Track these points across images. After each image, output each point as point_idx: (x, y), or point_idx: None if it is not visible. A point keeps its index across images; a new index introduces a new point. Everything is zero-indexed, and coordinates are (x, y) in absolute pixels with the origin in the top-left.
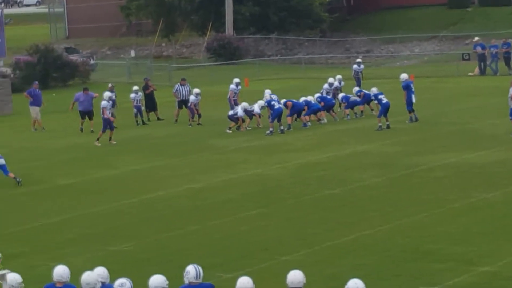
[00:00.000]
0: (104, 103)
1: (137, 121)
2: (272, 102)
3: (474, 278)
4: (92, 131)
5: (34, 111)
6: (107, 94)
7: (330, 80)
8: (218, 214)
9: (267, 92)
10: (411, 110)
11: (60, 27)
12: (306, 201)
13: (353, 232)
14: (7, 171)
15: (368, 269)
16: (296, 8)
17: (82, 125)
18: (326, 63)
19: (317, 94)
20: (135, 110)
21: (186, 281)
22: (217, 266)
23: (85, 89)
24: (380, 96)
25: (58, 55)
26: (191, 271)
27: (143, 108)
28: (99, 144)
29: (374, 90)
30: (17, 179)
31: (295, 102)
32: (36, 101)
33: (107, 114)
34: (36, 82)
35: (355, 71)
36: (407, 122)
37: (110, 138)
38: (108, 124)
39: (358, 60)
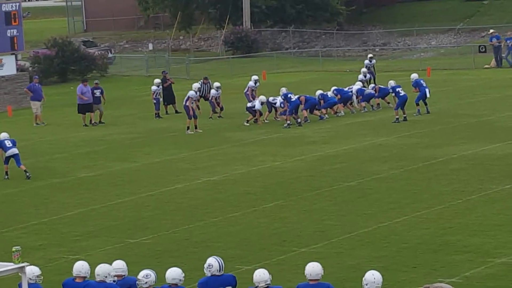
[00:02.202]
0: (191, 93)
1: (155, 114)
2: (289, 95)
3: (492, 269)
4: (95, 123)
5: (35, 105)
6: (195, 85)
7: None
8: (237, 206)
9: (284, 88)
10: (417, 103)
11: (78, 21)
12: (324, 193)
13: (371, 224)
14: (19, 162)
15: (386, 261)
16: (313, 1)
17: (85, 121)
18: (343, 56)
19: (334, 87)
20: (155, 101)
21: (209, 274)
22: (236, 258)
23: (84, 81)
24: (398, 89)
25: (76, 49)
26: (214, 264)
27: (160, 100)
28: (192, 132)
29: (391, 83)
30: (27, 173)
31: (308, 97)
32: (36, 96)
33: (190, 104)
34: (36, 76)
35: (366, 66)
36: (414, 115)
37: (196, 127)
38: (191, 113)
39: (370, 55)
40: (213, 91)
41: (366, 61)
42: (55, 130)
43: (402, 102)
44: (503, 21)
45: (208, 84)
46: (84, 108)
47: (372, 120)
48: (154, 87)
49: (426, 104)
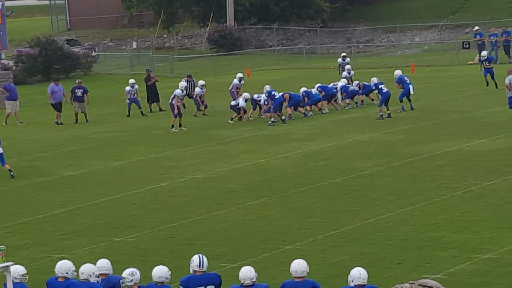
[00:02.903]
0: (178, 91)
1: (129, 113)
2: (273, 92)
3: (477, 265)
4: (61, 123)
5: (10, 105)
6: (182, 84)
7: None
8: (222, 204)
9: (267, 86)
10: (401, 100)
11: (62, 19)
12: (308, 190)
13: (356, 221)
14: (4, 162)
15: (371, 258)
16: None
17: (57, 119)
18: (327, 53)
19: (318, 84)
20: (128, 102)
21: (191, 270)
22: (221, 255)
23: (56, 80)
24: (380, 86)
25: (60, 47)
26: (195, 259)
27: (139, 99)
28: (177, 130)
29: (374, 80)
30: (11, 173)
31: (292, 94)
32: (12, 95)
33: (176, 102)
34: (11, 76)
35: (340, 64)
36: (398, 111)
37: (180, 125)
38: (176, 111)
39: (344, 54)
40: (197, 89)
41: (339, 60)
42: (39, 129)
43: (385, 99)
44: (486, 18)
45: (192, 82)
46: (55, 107)
47: (356, 117)
48: (128, 88)
49: (410, 101)
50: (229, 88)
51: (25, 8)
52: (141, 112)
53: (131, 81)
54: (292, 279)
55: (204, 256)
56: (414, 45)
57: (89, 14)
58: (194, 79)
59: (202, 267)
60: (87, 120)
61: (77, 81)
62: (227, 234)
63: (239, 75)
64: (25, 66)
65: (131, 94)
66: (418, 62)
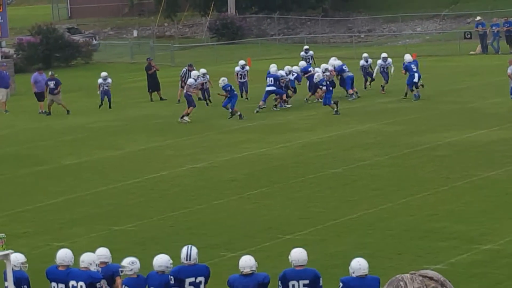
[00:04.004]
0: (190, 81)
1: (102, 103)
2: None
3: (477, 256)
4: (45, 112)
5: (0, 92)
6: (195, 73)
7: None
8: (222, 193)
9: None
10: (412, 88)
11: (62, 7)
12: (309, 180)
13: (356, 211)
14: None
15: (371, 248)
16: None
17: (42, 108)
18: (328, 42)
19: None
20: (100, 94)
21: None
22: (221, 245)
23: (40, 70)
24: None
25: (60, 36)
26: (183, 251)
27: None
28: (189, 120)
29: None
30: None
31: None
32: (3, 83)
33: (192, 91)
34: (5, 64)
35: (303, 57)
36: (413, 99)
37: (188, 114)
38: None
39: (306, 47)
40: (190, 80)
41: (302, 53)
42: (39, 117)
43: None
44: (488, 8)
45: (193, 71)
46: (37, 96)
47: (356, 107)
48: (100, 80)
49: (417, 88)
50: (238, 79)
51: None
52: (109, 105)
53: (103, 74)
54: (292, 268)
55: (193, 248)
56: (416, 35)
57: (90, 2)
58: (195, 68)
59: (189, 259)
60: (68, 112)
61: (49, 73)
62: (227, 224)
63: (241, 62)
64: (25, 54)
65: (102, 86)
66: (420, 52)
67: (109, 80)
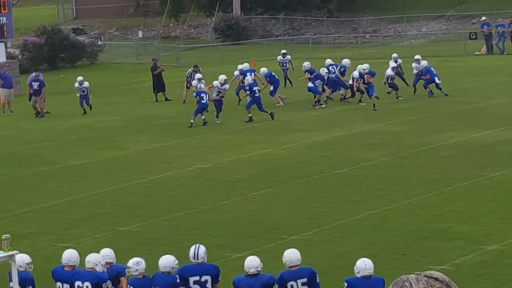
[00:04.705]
0: (194, 82)
1: (84, 110)
2: (273, 74)
3: (482, 256)
4: (36, 114)
5: (4, 93)
6: (198, 76)
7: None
8: (227, 194)
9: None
10: (426, 86)
11: (68, 8)
12: (314, 180)
13: (362, 211)
14: None
15: (376, 248)
16: None
17: (35, 110)
18: (333, 43)
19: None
20: (79, 99)
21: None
22: (226, 245)
23: (37, 70)
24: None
25: (66, 36)
26: (191, 250)
27: (90, 96)
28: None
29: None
30: None
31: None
32: (7, 84)
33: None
34: (7, 64)
35: (280, 61)
36: (426, 96)
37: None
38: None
39: (283, 51)
40: (194, 82)
41: (279, 57)
42: (44, 118)
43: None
44: (493, 8)
45: (199, 72)
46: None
47: (361, 108)
48: (76, 84)
49: (440, 89)
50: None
51: None
52: (86, 109)
53: (79, 78)
54: (288, 269)
55: (201, 247)
56: (421, 36)
57: (95, 3)
58: (200, 69)
59: (197, 258)
60: (42, 115)
61: (34, 74)
62: (232, 224)
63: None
64: (31, 55)
65: (80, 91)
66: (425, 53)
67: (86, 83)
